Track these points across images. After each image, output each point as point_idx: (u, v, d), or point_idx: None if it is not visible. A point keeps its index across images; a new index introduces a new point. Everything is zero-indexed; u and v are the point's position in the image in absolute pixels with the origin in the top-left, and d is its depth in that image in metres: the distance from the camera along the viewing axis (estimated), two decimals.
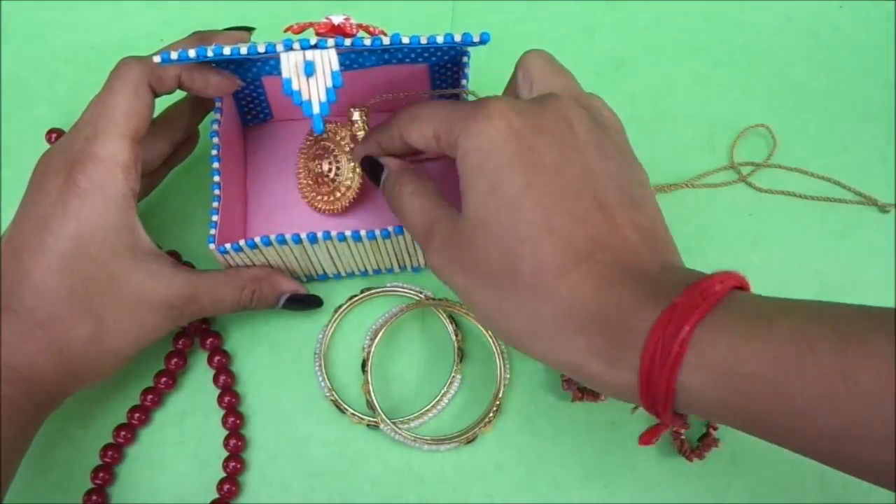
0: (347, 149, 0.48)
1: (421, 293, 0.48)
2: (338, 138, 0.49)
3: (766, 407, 0.29)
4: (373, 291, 0.49)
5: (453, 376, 0.47)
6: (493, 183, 0.35)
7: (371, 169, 0.42)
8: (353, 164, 0.48)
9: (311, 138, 0.50)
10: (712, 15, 0.56)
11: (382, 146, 0.42)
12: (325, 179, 0.48)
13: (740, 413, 0.30)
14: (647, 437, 0.35)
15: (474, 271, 0.35)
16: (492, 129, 0.35)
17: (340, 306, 0.48)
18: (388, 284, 0.49)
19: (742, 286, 0.32)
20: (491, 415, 0.46)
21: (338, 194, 0.48)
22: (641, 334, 0.31)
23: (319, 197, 0.49)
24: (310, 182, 0.49)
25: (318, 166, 0.49)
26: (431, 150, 0.39)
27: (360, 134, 0.47)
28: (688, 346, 0.30)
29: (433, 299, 0.48)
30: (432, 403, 0.46)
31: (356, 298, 0.48)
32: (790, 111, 0.53)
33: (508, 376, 0.47)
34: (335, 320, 0.48)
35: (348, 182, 0.48)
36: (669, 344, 0.30)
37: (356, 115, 0.47)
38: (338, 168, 0.48)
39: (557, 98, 0.37)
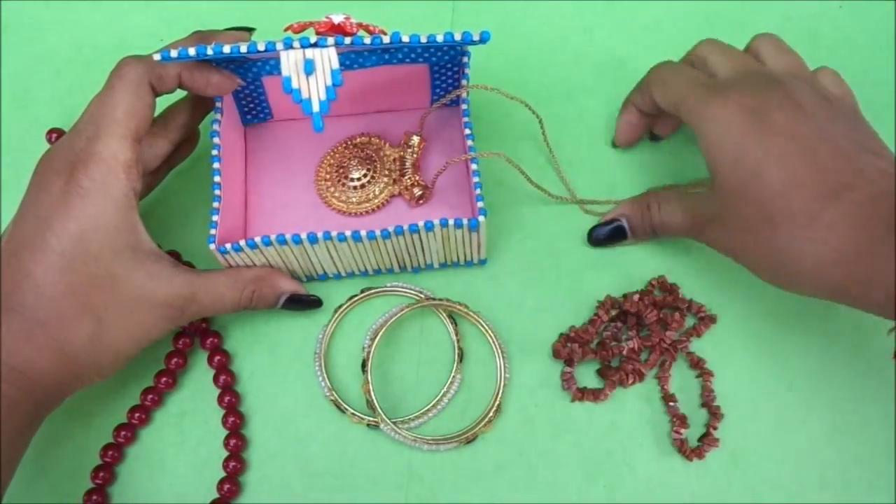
0: (388, 170, 0.49)
1: (421, 293, 0.48)
2: (382, 154, 0.49)
3: None
4: (373, 291, 0.49)
5: (453, 376, 0.47)
6: (735, 156, 0.40)
7: (613, 233, 0.49)
8: (385, 184, 0.49)
9: (357, 139, 0.50)
10: (712, 15, 0.56)
11: (635, 103, 0.49)
12: (348, 182, 0.49)
13: None
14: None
15: (738, 234, 0.41)
16: (726, 110, 0.41)
17: (340, 306, 0.48)
18: (388, 284, 0.49)
19: None
20: (491, 415, 0.46)
21: (354, 200, 0.49)
22: None
23: (335, 192, 0.49)
24: (331, 175, 0.49)
25: (350, 168, 0.49)
26: (671, 111, 0.45)
27: (412, 158, 0.49)
28: None
29: (433, 299, 0.48)
30: (432, 403, 0.46)
31: (356, 298, 0.48)
32: None
33: (508, 376, 0.47)
34: (335, 320, 0.48)
35: (373, 197, 0.48)
36: None
37: (415, 140, 0.48)
38: (370, 180, 0.49)
39: (782, 81, 0.42)
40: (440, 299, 0.48)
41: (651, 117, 0.50)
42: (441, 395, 0.46)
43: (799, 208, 0.38)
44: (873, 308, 0.38)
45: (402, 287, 0.49)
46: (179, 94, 0.45)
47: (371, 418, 0.46)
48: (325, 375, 0.47)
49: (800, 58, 0.44)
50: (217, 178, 0.44)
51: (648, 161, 0.52)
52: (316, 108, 0.38)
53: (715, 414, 0.45)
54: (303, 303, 0.47)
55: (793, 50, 0.45)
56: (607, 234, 0.49)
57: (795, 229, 0.38)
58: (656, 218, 0.47)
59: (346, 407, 0.46)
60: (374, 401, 0.45)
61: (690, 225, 0.45)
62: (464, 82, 0.47)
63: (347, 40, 0.38)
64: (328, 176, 0.50)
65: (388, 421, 0.45)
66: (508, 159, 0.47)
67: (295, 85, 0.38)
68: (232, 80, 0.44)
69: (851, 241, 0.37)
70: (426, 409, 0.46)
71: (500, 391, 0.46)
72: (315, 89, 0.38)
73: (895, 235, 0.36)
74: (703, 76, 0.44)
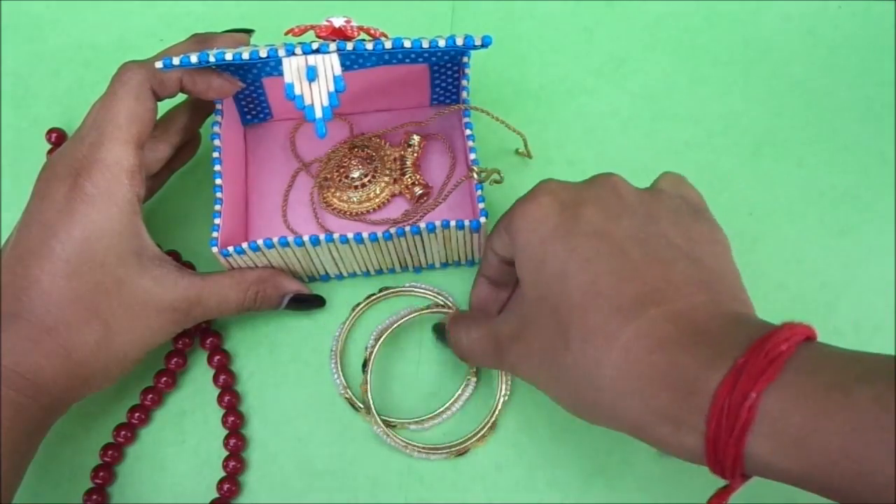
0: (388, 169, 0.49)
1: (439, 294, 0.48)
2: (382, 153, 0.49)
3: (846, 480, 0.27)
4: (391, 291, 0.48)
5: (468, 379, 0.46)
6: (541, 257, 0.35)
7: (439, 334, 0.47)
8: (386, 183, 0.49)
9: (357, 139, 0.50)
10: (712, 15, 0.56)
11: (486, 274, 0.43)
12: (349, 181, 0.49)
13: (815, 483, 0.28)
14: (716, 502, 0.32)
15: (535, 351, 0.36)
16: (538, 208, 0.36)
17: (358, 304, 0.48)
18: (407, 284, 0.49)
19: (810, 336, 0.31)
20: (485, 431, 0.45)
21: (354, 200, 0.49)
22: (706, 397, 0.30)
23: (336, 192, 0.49)
24: (332, 175, 0.49)
25: (350, 168, 0.49)
26: (512, 259, 0.39)
27: (412, 158, 0.49)
28: (756, 413, 0.28)
29: (445, 307, 0.48)
30: (447, 405, 0.46)
31: (374, 297, 0.48)
32: (790, 111, 0.53)
33: (508, 394, 0.46)
34: (352, 318, 0.48)
35: (374, 196, 0.48)
36: (736, 410, 0.29)
37: (415, 139, 0.48)
38: (370, 179, 0.48)
39: (607, 174, 0.38)
40: (451, 306, 0.48)
41: (503, 288, 0.43)
42: (455, 398, 0.46)
43: (594, 324, 0.33)
44: (684, 454, 0.31)
45: (420, 288, 0.48)
46: (180, 97, 0.45)
47: (386, 417, 0.46)
48: (340, 373, 0.47)
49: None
50: (218, 181, 0.44)
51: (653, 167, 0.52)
52: (319, 114, 0.38)
53: None
54: (306, 302, 0.47)
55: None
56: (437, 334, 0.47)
57: (590, 350, 0.33)
58: (463, 343, 0.42)
59: (360, 405, 0.46)
60: (370, 401, 0.45)
61: (493, 348, 0.39)
62: (464, 82, 0.47)
63: (349, 45, 0.38)
64: (328, 175, 0.50)
65: (381, 423, 0.45)
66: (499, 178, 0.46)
67: (297, 91, 0.38)
68: (233, 84, 0.44)
69: (647, 367, 0.31)
70: (440, 410, 0.46)
71: (497, 409, 0.46)
72: (318, 95, 0.38)
73: (692, 356, 0.31)
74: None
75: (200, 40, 0.44)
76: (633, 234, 0.35)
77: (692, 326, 0.32)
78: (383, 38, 0.40)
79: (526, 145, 0.50)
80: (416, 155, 0.49)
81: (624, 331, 0.32)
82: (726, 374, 0.29)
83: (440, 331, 0.46)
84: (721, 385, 0.29)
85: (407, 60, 0.47)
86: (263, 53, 0.38)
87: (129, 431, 0.46)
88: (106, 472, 0.46)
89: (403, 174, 0.49)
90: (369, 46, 0.38)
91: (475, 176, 0.44)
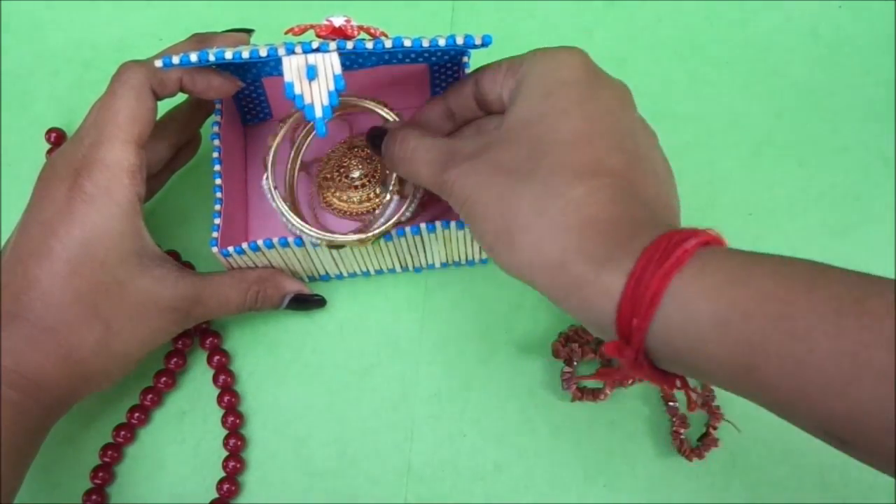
0: (388, 169, 0.49)
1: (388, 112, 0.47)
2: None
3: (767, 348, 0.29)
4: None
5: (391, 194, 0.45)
6: (550, 90, 0.37)
7: (374, 140, 0.43)
8: (384, 188, 0.48)
9: (357, 139, 0.50)
10: (712, 15, 0.56)
11: (450, 102, 0.43)
12: (347, 181, 0.49)
13: (728, 341, 0.30)
14: (602, 375, 0.37)
15: (493, 167, 0.36)
16: (567, 56, 0.38)
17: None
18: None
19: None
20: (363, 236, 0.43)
21: (355, 199, 0.48)
22: (641, 244, 0.31)
23: (336, 192, 0.49)
24: (332, 175, 0.49)
25: (350, 168, 0.49)
26: (498, 97, 0.40)
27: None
28: (691, 256, 0.30)
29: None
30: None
31: None
32: (790, 111, 0.53)
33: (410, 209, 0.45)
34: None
35: (374, 196, 0.48)
36: (672, 250, 0.30)
37: None
38: (370, 179, 0.48)
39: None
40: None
41: (451, 123, 0.44)
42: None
43: (573, 161, 0.34)
44: (596, 301, 0.32)
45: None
46: (180, 97, 0.45)
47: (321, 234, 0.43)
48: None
49: None
50: (218, 181, 0.44)
51: None
52: (319, 113, 0.38)
53: (715, 414, 0.45)
54: (307, 302, 0.47)
55: None
56: (371, 140, 0.44)
57: (556, 179, 0.34)
58: (409, 145, 0.40)
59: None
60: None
61: (443, 159, 0.38)
62: None
63: (349, 44, 0.38)
64: (328, 175, 0.50)
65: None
66: None
67: (297, 91, 0.38)
68: (233, 83, 0.44)
69: (601, 211, 0.33)
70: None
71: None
72: (318, 95, 0.38)
73: (642, 217, 0.33)
74: None
75: (200, 40, 0.44)
76: (631, 131, 0.37)
77: (646, 205, 0.34)
78: (383, 38, 0.40)
79: None
80: None
81: (593, 180, 0.34)
82: (663, 234, 0.32)
83: (378, 135, 0.43)
84: (663, 235, 0.31)
85: (407, 60, 0.47)
86: (263, 52, 0.38)
87: (128, 431, 0.46)
88: (105, 472, 0.46)
89: None
90: (369, 46, 0.38)
91: None
